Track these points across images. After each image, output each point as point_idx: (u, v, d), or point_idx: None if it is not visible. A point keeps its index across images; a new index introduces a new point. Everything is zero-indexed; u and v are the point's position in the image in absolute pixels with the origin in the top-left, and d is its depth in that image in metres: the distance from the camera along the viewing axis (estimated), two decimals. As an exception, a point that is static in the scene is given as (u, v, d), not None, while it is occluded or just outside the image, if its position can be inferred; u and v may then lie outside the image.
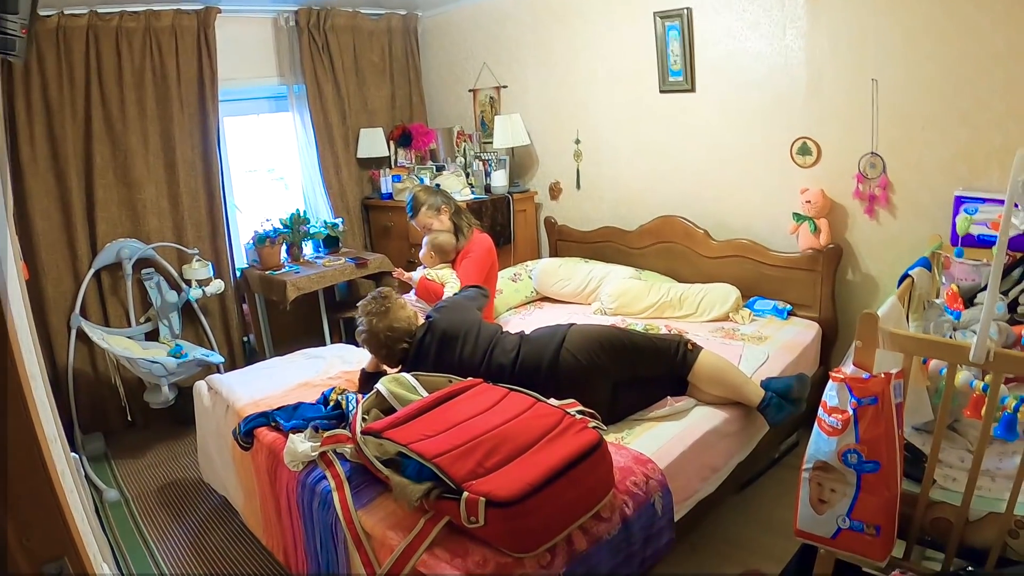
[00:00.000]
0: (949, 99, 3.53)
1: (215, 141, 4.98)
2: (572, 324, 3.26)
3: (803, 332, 4.01)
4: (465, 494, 2.15)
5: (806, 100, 4.04)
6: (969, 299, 3.16)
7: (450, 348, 3.18)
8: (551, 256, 5.51)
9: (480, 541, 2.20)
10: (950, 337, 2.87)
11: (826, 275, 4.07)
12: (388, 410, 2.79)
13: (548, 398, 2.76)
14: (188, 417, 4.11)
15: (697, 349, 3.19)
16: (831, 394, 2.29)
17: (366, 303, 3.31)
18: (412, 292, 4.33)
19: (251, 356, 5.38)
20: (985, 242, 3.28)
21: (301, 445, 2.75)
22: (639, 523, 2.52)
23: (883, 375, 2.20)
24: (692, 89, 4.52)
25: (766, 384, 3.25)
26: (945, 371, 2.37)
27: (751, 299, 4.35)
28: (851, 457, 2.24)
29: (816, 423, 2.35)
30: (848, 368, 2.31)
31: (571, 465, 2.26)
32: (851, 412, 2.22)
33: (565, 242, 5.47)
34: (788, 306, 4.22)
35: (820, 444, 2.32)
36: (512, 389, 2.78)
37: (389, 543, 2.26)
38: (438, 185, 4.69)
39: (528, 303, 5.03)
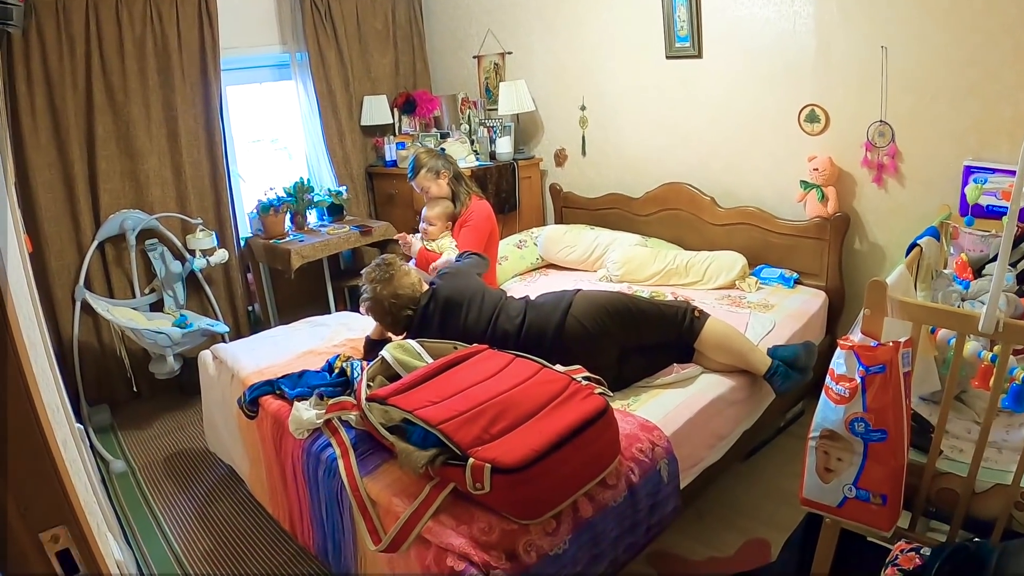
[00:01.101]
0: (959, 69, 3.49)
1: (217, 110, 4.94)
2: (578, 290, 3.24)
3: (810, 300, 3.99)
4: (471, 460, 2.14)
5: (815, 67, 4.00)
6: (977, 270, 3.14)
7: (454, 315, 3.17)
8: (556, 223, 5.49)
9: (485, 508, 2.20)
10: (959, 307, 2.86)
11: (833, 244, 4.04)
12: (393, 377, 2.78)
13: (554, 364, 2.75)
14: (193, 387, 4.13)
15: (704, 316, 3.17)
16: (839, 362, 2.27)
17: (370, 270, 3.29)
18: (412, 261, 4.31)
19: (256, 325, 5.38)
20: (994, 213, 3.26)
21: (306, 413, 2.75)
22: (645, 490, 2.52)
23: (891, 343, 2.18)
24: (699, 55, 4.48)
25: (772, 352, 3.24)
26: (953, 341, 2.35)
27: (757, 267, 4.34)
28: (858, 426, 2.22)
29: (823, 391, 2.33)
30: (856, 336, 2.28)
31: (577, 431, 2.26)
32: (859, 380, 2.20)
33: (570, 209, 5.45)
34: (795, 274, 4.20)
35: (827, 412, 2.30)
36: (517, 355, 2.76)
37: (394, 510, 2.26)
38: (443, 150, 4.65)
39: (533, 270, 5.02)
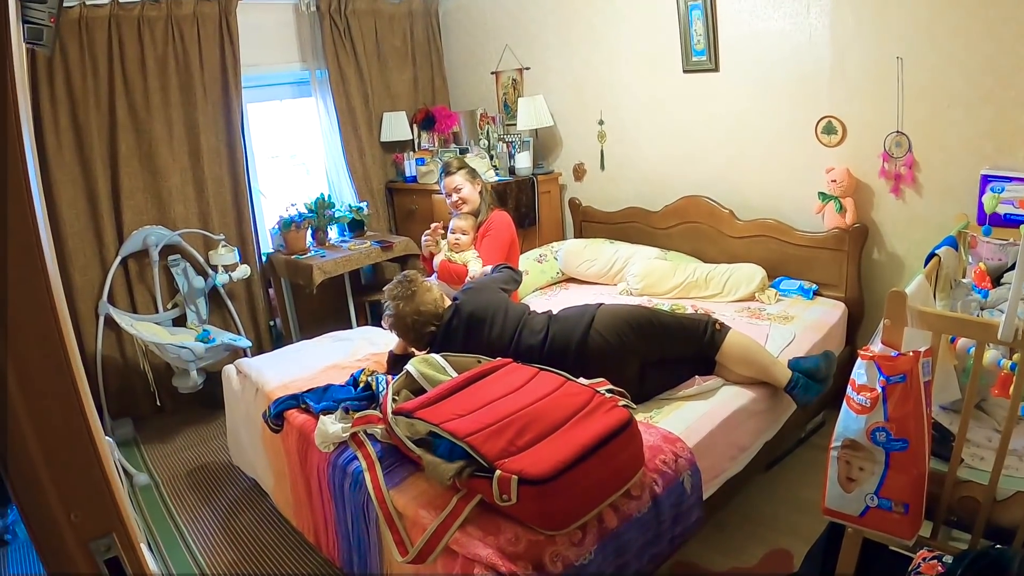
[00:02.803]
0: (974, 77, 3.49)
1: (239, 127, 5.00)
2: (601, 304, 3.27)
3: (829, 312, 3.99)
4: (498, 472, 2.17)
5: (831, 78, 4.01)
6: (995, 279, 3.14)
7: (478, 330, 3.20)
8: (576, 237, 5.51)
9: (512, 519, 2.23)
10: (978, 316, 2.85)
11: (852, 254, 4.05)
12: (418, 391, 2.82)
13: (577, 378, 2.77)
14: (216, 401, 4.16)
15: (725, 329, 3.19)
16: (859, 372, 2.28)
17: (392, 287, 3.31)
18: (434, 276, 4.33)
19: (278, 340, 5.42)
20: (1012, 221, 3.25)
21: (332, 426, 2.78)
22: (668, 501, 2.54)
23: (911, 353, 2.18)
24: (716, 69, 4.50)
25: (793, 364, 3.25)
26: (973, 350, 2.35)
27: (777, 279, 4.34)
28: (880, 435, 2.23)
29: (844, 401, 2.34)
30: (876, 346, 2.29)
31: (602, 443, 2.28)
32: (880, 390, 2.21)
33: (590, 223, 5.46)
34: (814, 286, 4.20)
35: (848, 422, 2.31)
36: (541, 368, 2.79)
37: (421, 522, 2.29)
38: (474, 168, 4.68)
39: (554, 284, 5.04)
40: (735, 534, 3.24)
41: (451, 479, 2.26)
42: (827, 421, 3.96)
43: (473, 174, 4.40)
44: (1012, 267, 3.13)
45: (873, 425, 2.24)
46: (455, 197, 4.36)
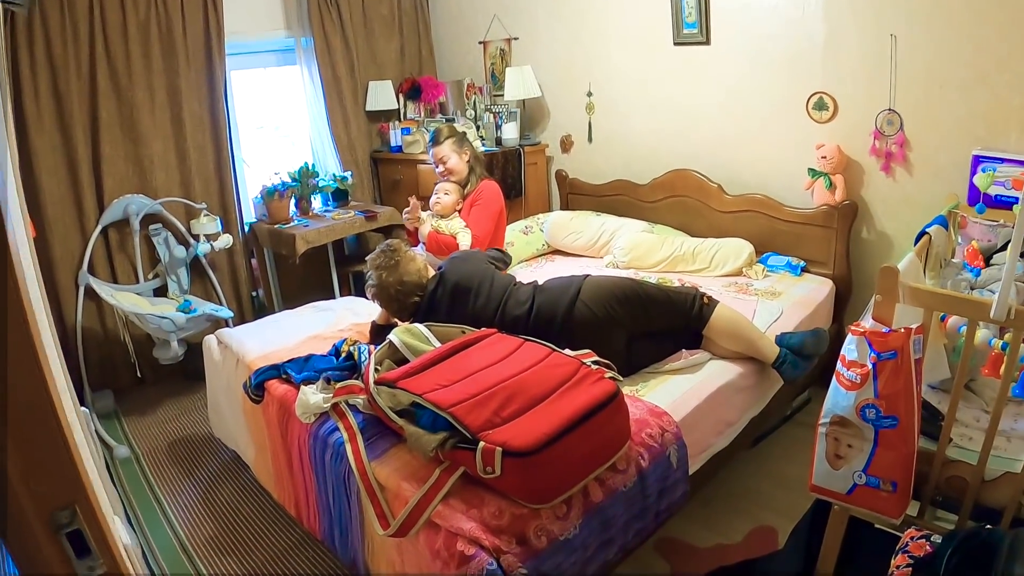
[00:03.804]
0: (969, 58, 3.46)
1: (222, 95, 4.92)
2: (587, 275, 3.23)
3: (817, 288, 3.97)
4: (481, 444, 2.13)
5: (823, 54, 3.96)
6: (985, 260, 3.12)
7: (463, 300, 3.15)
8: (562, 209, 5.45)
9: (496, 492, 2.19)
10: (968, 294, 2.85)
11: (841, 232, 4.02)
12: (401, 361, 2.77)
13: (563, 349, 2.73)
14: (198, 372, 4.11)
15: (713, 303, 3.16)
16: (850, 348, 2.26)
17: (375, 257, 3.27)
18: (420, 246, 4.29)
19: (260, 310, 5.37)
20: (1002, 202, 3.25)
21: (313, 397, 2.74)
22: (654, 475, 2.52)
23: (903, 330, 2.17)
24: (707, 42, 4.44)
25: (780, 339, 3.23)
26: (964, 329, 2.35)
27: (764, 255, 4.31)
28: (869, 412, 2.22)
29: (834, 377, 2.32)
30: (867, 322, 2.27)
31: (588, 415, 2.25)
32: (870, 366, 2.20)
33: (576, 195, 5.42)
34: (802, 262, 4.17)
35: (838, 398, 2.30)
36: (527, 339, 2.75)
37: (403, 494, 2.25)
38: (464, 134, 4.61)
39: (539, 256, 5.00)
40: (720, 510, 3.23)
41: (434, 450, 2.22)
42: (813, 398, 3.97)
43: (461, 143, 4.36)
44: (1003, 248, 3.15)
45: (863, 402, 2.23)
46: (441, 168, 4.33)
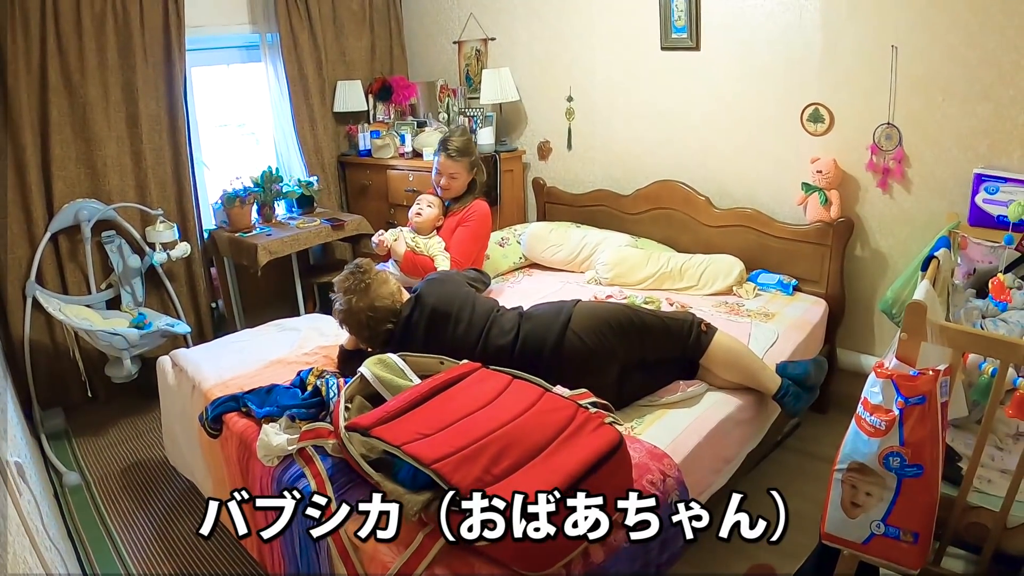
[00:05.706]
0: (972, 71, 3.36)
1: (181, 93, 4.67)
2: (577, 301, 3.01)
3: (811, 309, 3.81)
4: (471, 508, 1.90)
5: (820, 64, 3.82)
6: (984, 283, 3.03)
7: (441, 326, 2.92)
8: (539, 219, 5.26)
9: (487, 558, 1.96)
10: (980, 326, 2.75)
11: (835, 249, 3.87)
12: (373, 395, 2.54)
13: (553, 384, 2.51)
14: (153, 390, 3.83)
15: (711, 331, 2.96)
16: (874, 391, 2.09)
17: (343, 279, 2.99)
18: (390, 262, 4.05)
19: (220, 324, 5.14)
20: (1004, 224, 3.14)
21: (276, 438, 2.48)
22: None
23: (931, 372, 2.01)
24: (697, 47, 4.28)
25: (781, 369, 3.06)
26: (985, 364, 2.24)
27: (754, 272, 4.14)
28: (893, 461, 2.07)
29: (854, 421, 2.16)
30: (890, 362, 2.11)
31: (590, 471, 2.03)
32: (897, 412, 2.04)
33: (554, 205, 5.21)
34: (793, 280, 4.01)
35: (859, 445, 2.13)
36: (515, 375, 2.52)
37: (381, 559, 2.00)
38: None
39: (516, 270, 4.76)
40: (714, 548, 3.03)
41: (417, 514, 1.98)
42: (802, 423, 3.83)
43: (475, 164, 4.12)
44: (1008, 269, 3.06)
45: (887, 449, 2.07)
46: (443, 181, 4.09)
